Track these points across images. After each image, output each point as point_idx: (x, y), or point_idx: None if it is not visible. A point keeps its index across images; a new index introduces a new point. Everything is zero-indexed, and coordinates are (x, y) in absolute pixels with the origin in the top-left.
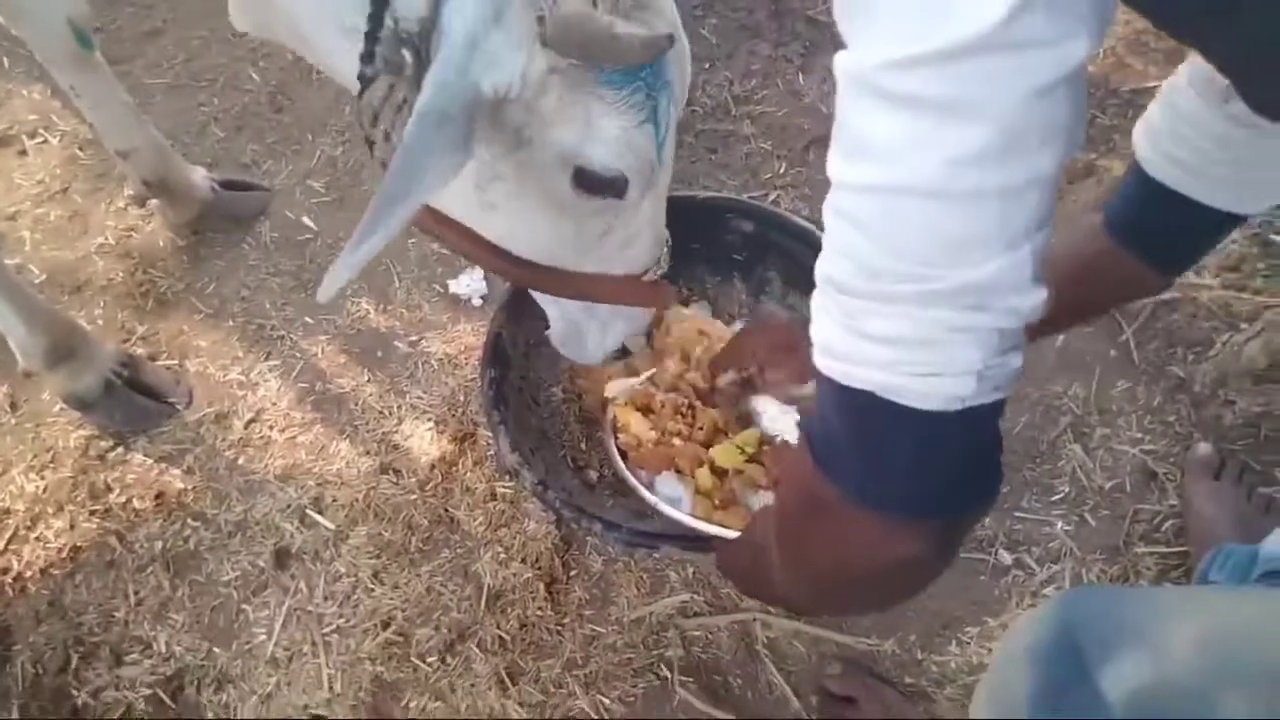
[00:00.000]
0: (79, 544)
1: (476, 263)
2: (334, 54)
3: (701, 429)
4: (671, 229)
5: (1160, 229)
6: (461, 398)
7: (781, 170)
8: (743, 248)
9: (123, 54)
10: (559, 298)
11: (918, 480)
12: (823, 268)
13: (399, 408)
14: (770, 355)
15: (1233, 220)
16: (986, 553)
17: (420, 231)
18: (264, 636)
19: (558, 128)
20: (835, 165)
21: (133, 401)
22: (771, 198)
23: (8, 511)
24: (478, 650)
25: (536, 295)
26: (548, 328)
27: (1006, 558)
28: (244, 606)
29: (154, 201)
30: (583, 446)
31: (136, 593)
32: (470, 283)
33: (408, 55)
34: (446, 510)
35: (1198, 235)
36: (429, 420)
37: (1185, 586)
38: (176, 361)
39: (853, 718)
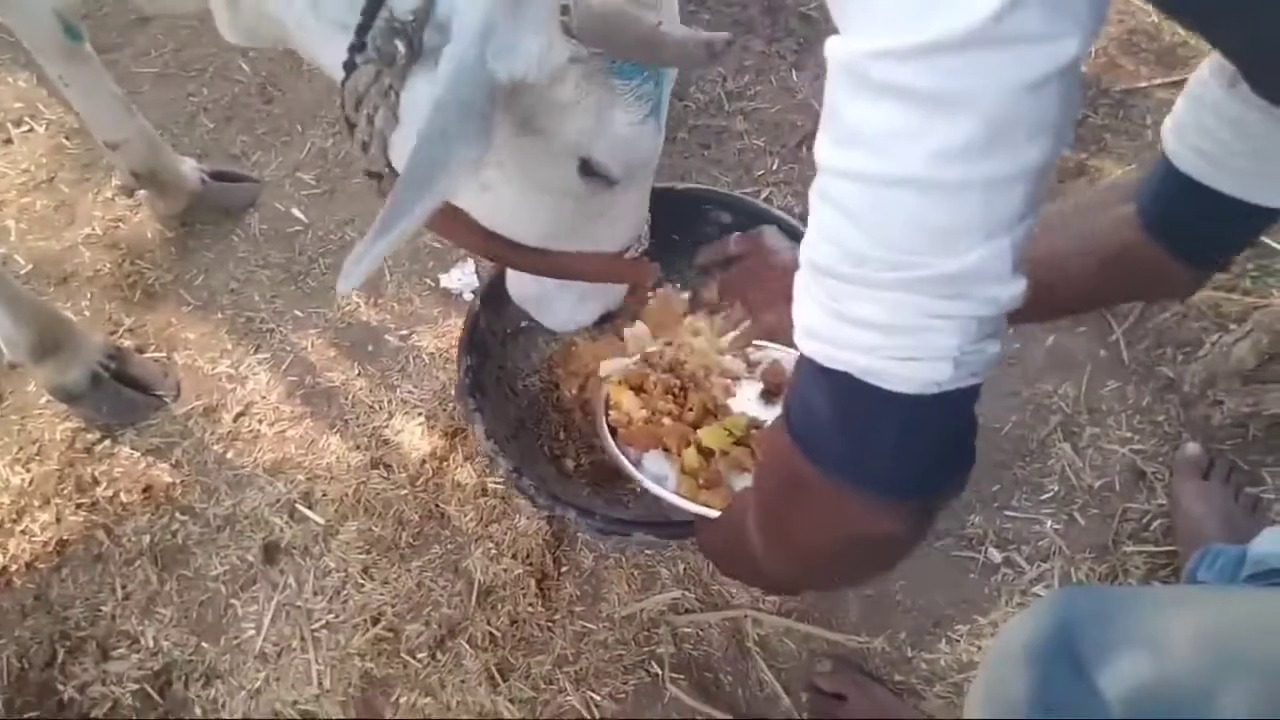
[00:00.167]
0: (65, 537)
1: (461, 244)
2: (329, 56)
3: (691, 410)
4: (650, 220)
5: (1189, 222)
6: (452, 393)
7: (774, 166)
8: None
9: (110, 42)
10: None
11: (894, 461)
12: (807, 251)
13: (389, 402)
14: (763, 298)
15: (1263, 214)
16: (976, 551)
17: None
18: (253, 632)
19: (570, 118)
20: (824, 151)
21: (120, 394)
22: (764, 194)
23: None
24: (468, 646)
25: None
26: (528, 320)
27: (996, 556)
28: (232, 601)
29: (142, 192)
30: (560, 435)
31: (124, 587)
32: (461, 277)
33: (400, 45)
34: (437, 505)
35: (1226, 229)
36: (420, 415)
37: (1178, 585)
38: (164, 354)
39: (843, 715)
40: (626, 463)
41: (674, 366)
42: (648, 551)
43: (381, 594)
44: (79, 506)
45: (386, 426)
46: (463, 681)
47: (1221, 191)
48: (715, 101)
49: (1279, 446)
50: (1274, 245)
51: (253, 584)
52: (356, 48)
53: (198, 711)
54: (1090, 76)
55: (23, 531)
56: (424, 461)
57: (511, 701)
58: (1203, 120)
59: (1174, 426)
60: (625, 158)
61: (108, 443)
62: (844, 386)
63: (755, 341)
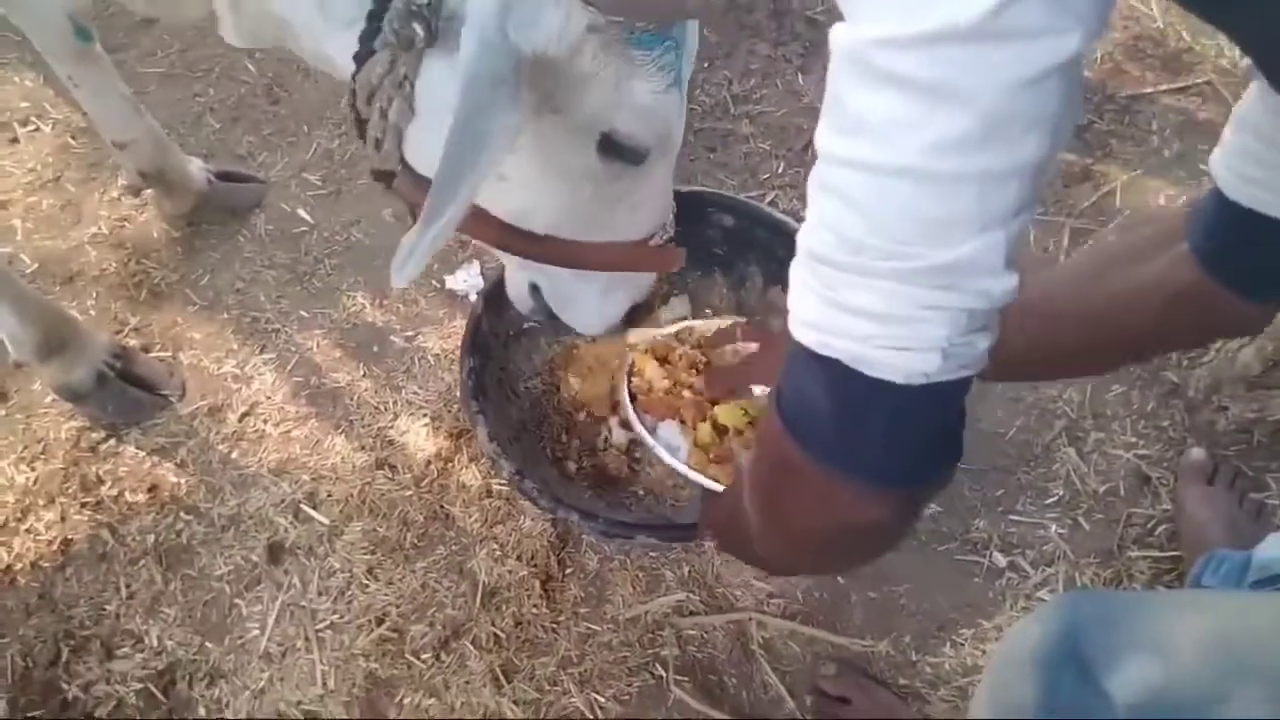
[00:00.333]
0: (70, 536)
1: (481, 239)
2: (334, 52)
3: None
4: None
5: (1246, 254)
6: (457, 394)
7: (780, 170)
8: (724, 242)
9: (117, 42)
10: (561, 268)
11: (882, 450)
12: (805, 238)
13: (394, 403)
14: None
15: None
16: (981, 555)
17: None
18: (257, 632)
19: (589, 90)
20: (825, 138)
21: (125, 393)
22: (769, 198)
23: None
24: (472, 647)
25: (531, 267)
26: (530, 322)
27: (1001, 560)
28: (237, 601)
29: (149, 192)
30: (561, 438)
31: (128, 586)
32: (467, 278)
33: (419, 29)
34: (442, 506)
35: None
36: (425, 416)
37: (1185, 590)
38: (170, 354)
39: (847, 718)
40: (641, 427)
41: (701, 343)
42: (652, 554)
43: (386, 595)
44: (84, 505)
45: (391, 427)
46: (467, 683)
47: (1275, 217)
48: (721, 105)
49: None
50: None
51: (257, 584)
52: (370, 34)
53: (202, 711)
54: (1096, 82)
55: (27, 530)
56: (429, 462)
57: (516, 703)
58: (1248, 145)
59: (1179, 432)
60: (649, 128)
61: (113, 442)
62: (835, 374)
63: None
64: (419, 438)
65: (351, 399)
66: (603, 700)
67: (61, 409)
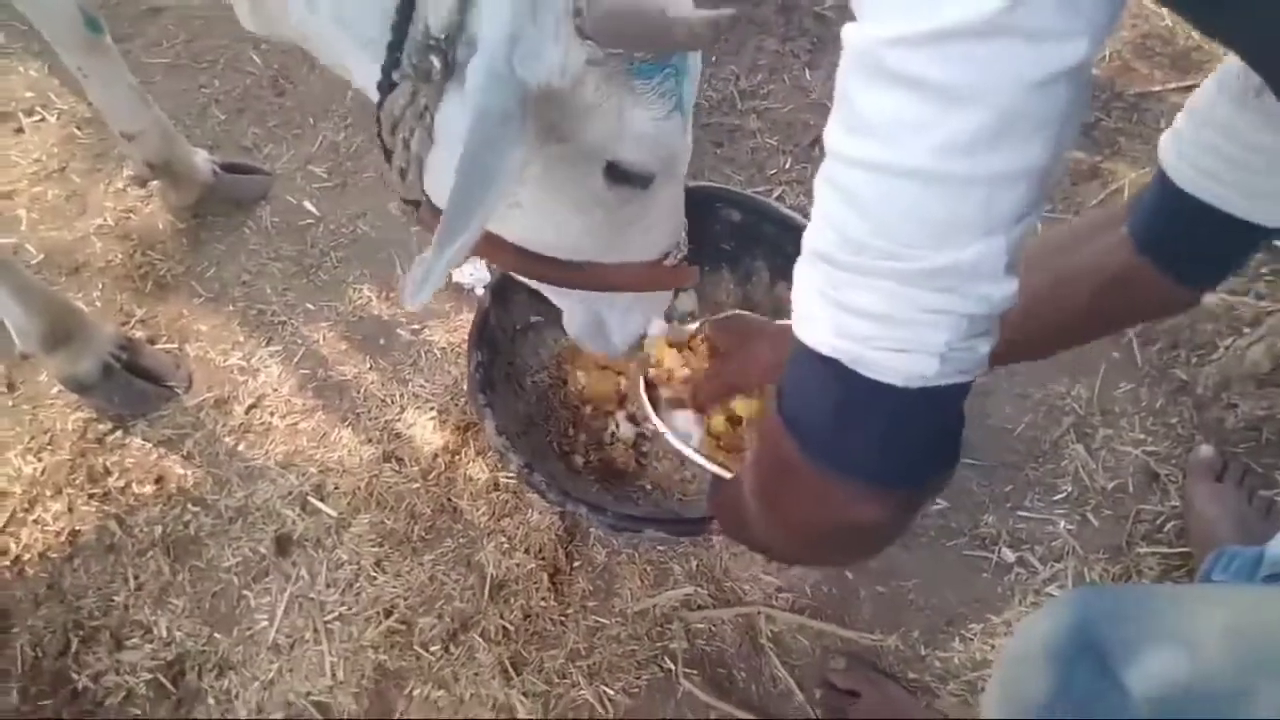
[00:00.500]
0: (77, 527)
1: (498, 264)
2: (351, 65)
3: None
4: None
5: (1188, 243)
6: (464, 387)
7: (787, 165)
8: (731, 237)
9: (122, 32)
10: (578, 291)
11: (879, 451)
12: (810, 236)
13: (401, 396)
14: (763, 370)
15: (1263, 233)
16: (990, 550)
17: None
18: (265, 623)
19: (592, 121)
20: (834, 136)
21: (132, 385)
22: (776, 193)
23: (4, 494)
24: (481, 640)
25: (550, 291)
26: (537, 315)
27: (1009, 555)
28: (245, 593)
29: (155, 183)
30: (569, 432)
31: (136, 577)
32: (473, 272)
33: (436, 61)
34: (449, 499)
35: (1228, 249)
36: (431, 409)
37: (1197, 585)
38: (176, 345)
39: (856, 713)
40: (651, 411)
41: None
42: (659, 548)
43: (394, 587)
44: (91, 497)
45: (398, 420)
46: (476, 674)
47: (1225, 211)
48: (728, 100)
49: None
50: None
51: (265, 576)
52: (391, 65)
53: (211, 702)
54: (1104, 80)
55: (35, 521)
56: (436, 456)
57: (525, 695)
58: (1206, 138)
59: (1187, 429)
60: (652, 155)
61: (119, 433)
62: (835, 374)
63: None
64: (426, 431)
65: (358, 392)
66: (611, 693)
67: (68, 400)
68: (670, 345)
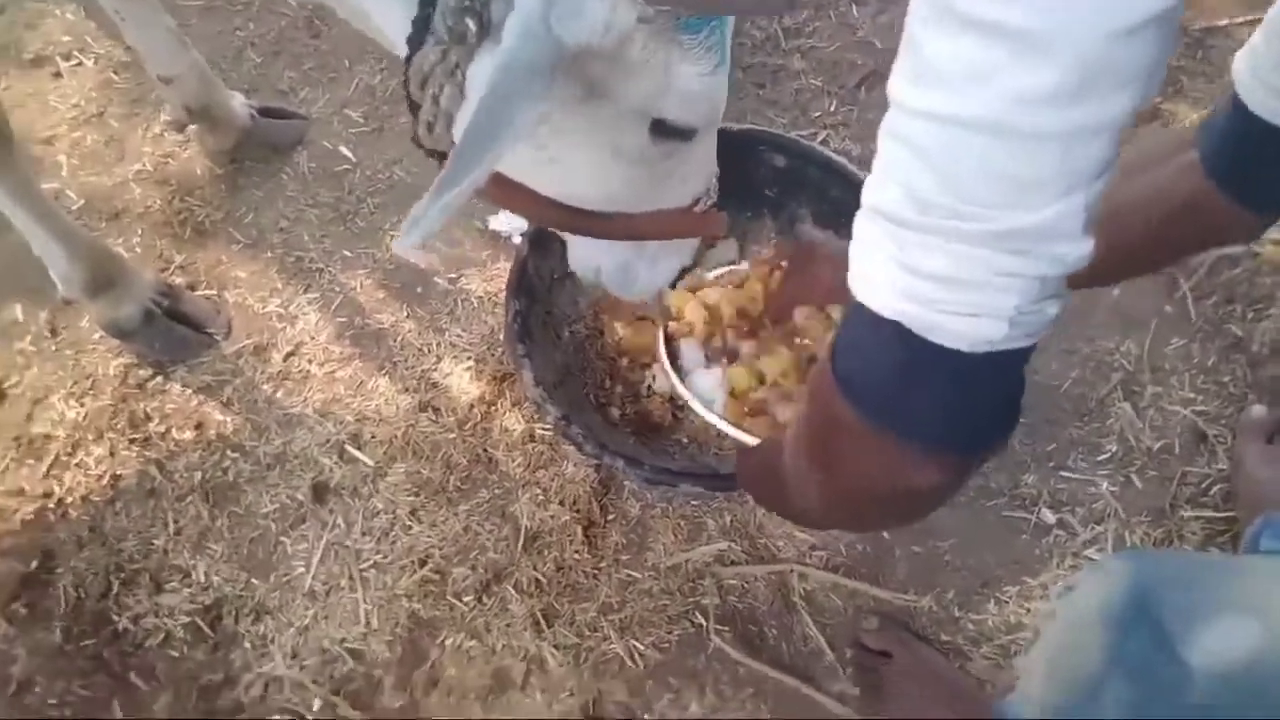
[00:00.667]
0: (119, 472)
1: (526, 215)
2: (377, 14)
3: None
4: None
5: (1257, 166)
6: (500, 337)
7: (832, 108)
8: (774, 183)
9: None
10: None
11: (940, 415)
12: (872, 193)
13: (438, 345)
14: (826, 291)
15: None
16: (1029, 511)
17: None
18: (302, 569)
19: (638, 79)
20: (898, 86)
21: (172, 331)
22: (821, 137)
23: (48, 437)
24: (514, 591)
25: (576, 240)
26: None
27: (1049, 517)
28: (282, 539)
29: (192, 128)
30: (605, 384)
31: (176, 522)
32: (510, 220)
33: (471, 24)
34: (485, 450)
35: None
36: (468, 359)
37: (1260, 555)
38: (215, 292)
39: (888, 673)
40: (676, 379)
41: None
42: (694, 502)
43: (429, 537)
44: (132, 442)
45: (435, 370)
46: (508, 626)
47: None
48: (771, 39)
49: None
50: None
51: (302, 523)
52: (422, 22)
53: (247, 646)
54: None
55: (78, 465)
56: (472, 406)
57: (556, 647)
58: None
59: (1240, 387)
60: (698, 111)
61: (160, 379)
62: (896, 336)
63: None
64: (462, 380)
65: (395, 340)
66: (642, 647)
67: (110, 345)
68: (692, 293)
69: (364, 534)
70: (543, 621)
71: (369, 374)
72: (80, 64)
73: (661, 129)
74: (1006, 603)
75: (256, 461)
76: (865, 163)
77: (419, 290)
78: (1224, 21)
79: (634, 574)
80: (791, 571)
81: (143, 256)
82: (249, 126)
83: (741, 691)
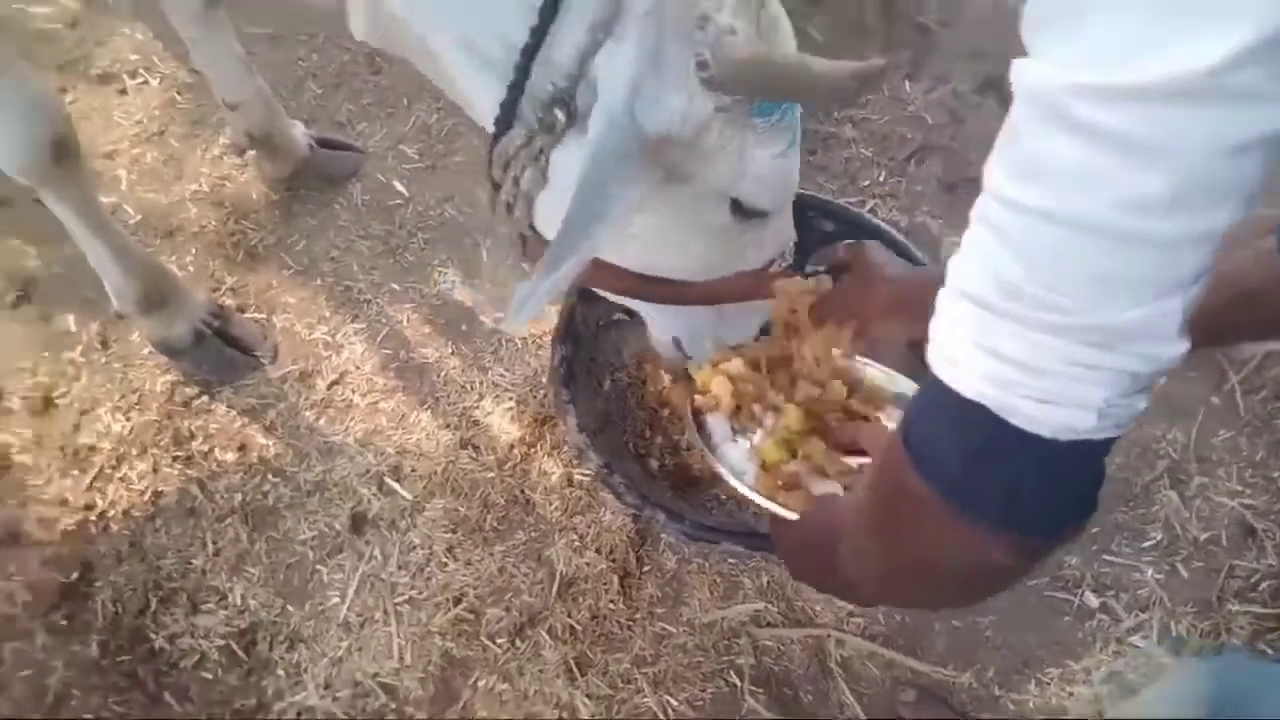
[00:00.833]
0: (161, 488)
1: (609, 289)
2: (470, 86)
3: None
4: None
5: None
6: (543, 380)
7: (881, 178)
8: (822, 248)
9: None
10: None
11: (1019, 499)
12: (958, 275)
13: (480, 383)
14: (870, 312)
15: None
16: (1072, 593)
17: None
18: (337, 599)
19: (717, 164)
20: (997, 177)
21: (221, 352)
22: (869, 205)
23: (93, 449)
24: (547, 636)
25: (654, 312)
26: (621, 313)
27: (1093, 600)
28: (319, 567)
29: (251, 153)
30: (645, 434)
31: (215, 543)
32: None
33: (560, 115)
34: (523, 491)
35: None
36: (510, 399)
37: None
38: (264, 315)
39: None
40: (706, 450)
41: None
42: (730, 560)
43: (464, 575)
44: (175, 459)
45: (477, 408)
46: (541, 671)
47: None
48: (824, 107)
49: None
50: None
51: (339, 552)
52: (509, 105)
53: (280, 673)
54: None
55: (121, 479)
56: (512, 446)
57: (589, 697)
58: None
59: None
60: (772, 191)
61: (205, 398)
62: (978, 418)
63: (857, 358)
64: (503, 420)
65: (438, 376)
66: (675, 703)
67: (158, 361)
68: (715, 367)
69: (400, 567)
70: (575, 670)
71: (411, 407)
72: (146, 82)
73: (739, 208)
74: (1048, 684)
75: (297, 487)
76: (911, 234)
77: (464, 328)
78: None
79: (669, 628)
80: (829, 637)
81: (195, 275)
82: (307, 156)
83: None
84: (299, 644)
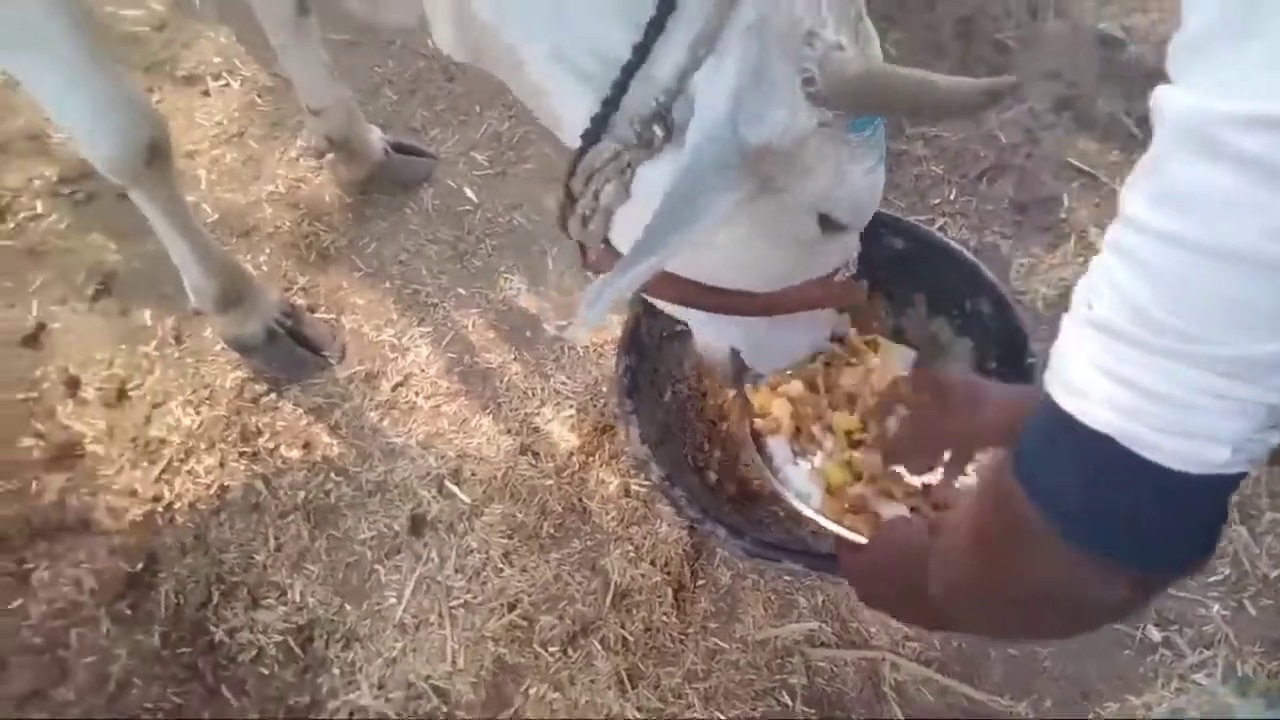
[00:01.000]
0: (226, 483)
1: (672, 300)
2: (559, 98)
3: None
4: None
5: None
6: (604, 389)
7: (951, 196)
8: (890, 264)
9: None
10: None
11: (1137, 532)
12: (1087, 300)
13: (542, 390)
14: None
15: None
16: (1134, 627)
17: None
18: (394, 600)
19: (814, 178)
20: (1136, 204)
21: (292, 351)
22: (939, 223)
23: (163, 442)
24: (600, 647)
25: (703, 320)
26: (683, 324)
27: (1155, 635)
28: (377, 567)
29: (329, 157)
30: (704, 447)
31: (277, 539)
32: None
33: (659, 130)
34: (580, 500)
35: None
36: (570, 407)
37: None
38: (333, 316)
39: None
40: (769, 473)
41: (831, 388)
42: (786, 577)
43: (519, 581)
44: (241, 455)
45: (537, 414)
46: (592, 681)
47: None
48: (896, 123)
49: None
50: None
51: (397, 553)
52: (601, 120)
53: (335, 672)
54: None
55: (188, 472)
56: (571, 454)
57: (639, 710)
58: None
59: None
60: (860, 205)
61: (273, 396)
62: (1104, 451)
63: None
64: (563, 428)
65: (501, 381)
66: None
67: (229, 357)
68: (773, 389)
69: (456, 571)
70: (627, 681)
71: (473, 412)
72: (227, 85)
73: (827, 222)
74: (1106, 718)
75: (359, 487)
76: (981, 253)
77: (528, 334)
78: None
79: (722, 644)
80: (884, 660)
81: (268, 275)
82: (383, 160)
83: None
84: (354, 643)
